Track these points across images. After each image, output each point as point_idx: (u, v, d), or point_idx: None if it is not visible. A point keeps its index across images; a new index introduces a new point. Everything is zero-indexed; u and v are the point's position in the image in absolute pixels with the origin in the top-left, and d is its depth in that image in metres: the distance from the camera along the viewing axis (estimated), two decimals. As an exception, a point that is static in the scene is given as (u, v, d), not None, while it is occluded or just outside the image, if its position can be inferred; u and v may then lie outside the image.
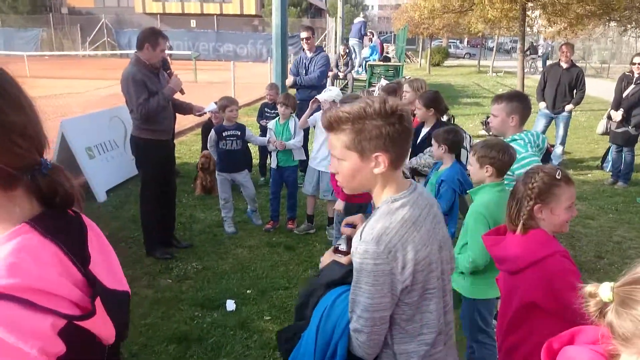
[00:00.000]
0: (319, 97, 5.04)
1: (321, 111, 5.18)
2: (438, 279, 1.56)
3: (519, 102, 3.15)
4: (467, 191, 2.90)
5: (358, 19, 18.36)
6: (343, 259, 1.71)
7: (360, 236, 1.50)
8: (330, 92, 5.07)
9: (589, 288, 1.13)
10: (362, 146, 1.51)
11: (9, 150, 0.90)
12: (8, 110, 0.91)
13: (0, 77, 0.96)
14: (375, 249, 1.45)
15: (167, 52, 4.63)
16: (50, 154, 4.45)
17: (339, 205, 4.20)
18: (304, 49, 7.01)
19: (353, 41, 17.43)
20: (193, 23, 40.25)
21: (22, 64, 21.87)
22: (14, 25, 37.36)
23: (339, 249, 1.79)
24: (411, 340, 1.55)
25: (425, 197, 1.62)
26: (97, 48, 34.54)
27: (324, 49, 7.35)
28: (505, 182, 2.98)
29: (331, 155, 1.62)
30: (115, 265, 1.14)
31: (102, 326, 1.00)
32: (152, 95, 4.25)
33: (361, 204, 4.04)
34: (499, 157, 2.66)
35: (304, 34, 6.87)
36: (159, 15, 39.16)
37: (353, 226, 1.75)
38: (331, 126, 1.56)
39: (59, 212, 1.00)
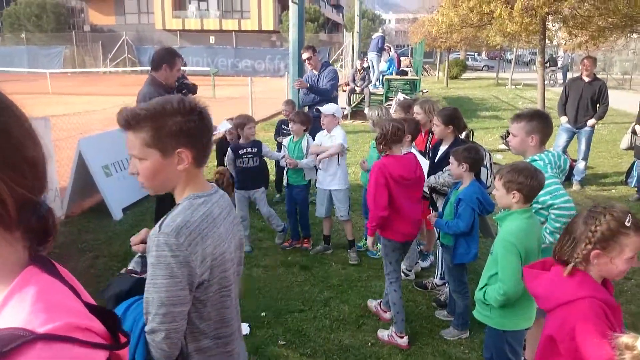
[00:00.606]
0: (320, 107, 5.06)
1: (320, 133, 5.15)
2: (233, 276, 1.62)
3: (539, 122, 3.03)
4: (494, 217, 2.77)
5: (377, 34, 18.39)
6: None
7: (160, 227, 1.46)
8: (331, 106, 5.10)
9: (626, 339, 1.02)
10: (164, 143, 1.50)
11: (20, 186, 0.84)
12: (27, 143, 0.86)
13: (13, 111, 0.91)
14: (175, 240, 1.43)
15: (183, 68, 4.63)
16: (67, 174, 4.44)
17: (369, 241, 3.91)
18: (309, 68, 7.00)
19: (371, 55, 17.44)
20: (212, 39, 40.79)
21: (45, 81, 22.36)
22: (38, 43, 38.32)
23: (132, 269, 1.72)
24: (206, 338, 1.55)
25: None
26: (118, 64, 35.20)
27: (331, 64, 7.30)
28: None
29: (131, 157, 1.56)
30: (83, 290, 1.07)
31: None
32: None
33: (404, 242, 3.75)
34: (527, 182, 2.52)
35: (305, 55, 6.85)
36: (178, 32, 39.82)
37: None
38: (129, 124, 1.52)
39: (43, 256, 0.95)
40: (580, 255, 1.74)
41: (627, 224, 1.68)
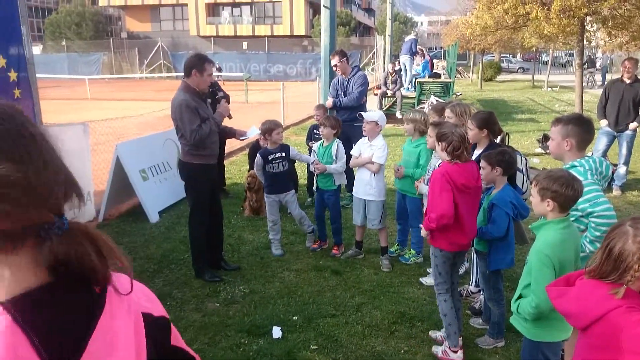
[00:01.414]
0: (363, 114, 5.01)
1: (361, 140, 5.11)
2: None
3: (575, 125, 2.94)
4: (530, 226, 2.70)
5: (409, 37, 18.30)
6: None
7: None
8: (374, 113, 5.05)
9: None
10: None
11: (11, 209, 0.77)
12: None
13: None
14: None
15: (216, 74, 4.72)
16: (105, 178, 4.55)
17: (423, 232, 3.68)
18: (338, 73, 6.99)
19: (404, 58, 17.34)
20: (245, 45, 41.37)
21: (84, 87, 23.06)
22: (77, 50, 39.60)
23: None
24: None
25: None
26: (154, 70, 36.02)
27: (361, 68, 7.28)
28: (572, 218, 2.78)
29: None
30: None
31: None
32: (203, 122, 4.33)
33: (459, 252, 3.60)
34: (562, 191, 2.43)
35: (332, 61, 6.85)
36: (212, 38, 40.51)
37: None
38: None
39: (70, 287, 0.84)
40: (633, 278, 1.60)
41: None
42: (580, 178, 2.75)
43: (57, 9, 47.68)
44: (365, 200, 4.99)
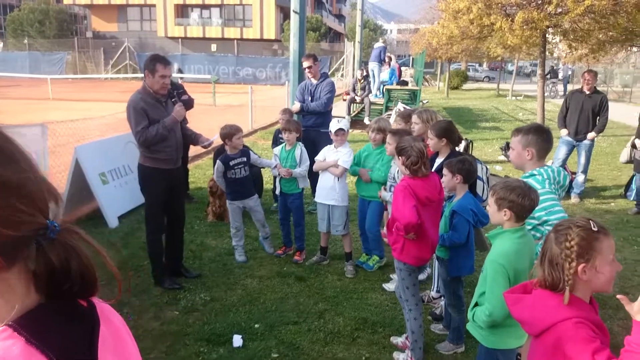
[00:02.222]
0: (333, 126, 4.97)
1: (327, 147, 5.10)
2: None
3: (535, 135, 3.00)
4: (487, 235, 2.73)
5: (378, 44, 18.44)
6: None
7: None
8: (342, 121, 5.03)
9: None
10: None
11: (7, 215, 0.73)
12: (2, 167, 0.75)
13: None
14: None
15: (178, 75, 4.59)
16: (64, 181, 4.39)
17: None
18: (308, 77, 6.97)
19: (372, 65, 17.45)
20: (214, 47, 40.98)
21: (46, 86, 22.38)
22: (40, 48, 38.47)
23: None
24: None
25: None
26: (119, 71, 35.30)
27: (328, 75, 7.28)
28: (529, 227, 2.82)
29: None
30: None
31: None
32: (152, 124, 4.20)
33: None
34: (519, 201, 2.46)
35: (305, 63, 6.82)
36: (180, 40, 39.99)
37: None
38: None
39: (63, 304, 0.81)
40: (569, 276, 1.70)
41: (595, 229, 1.70)
42: (538, 187, 2.81)
43: (20, 6, 46.24)
44: (329, 205, 4.97)
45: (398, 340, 3.74)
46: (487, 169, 4.21)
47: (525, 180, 3.05)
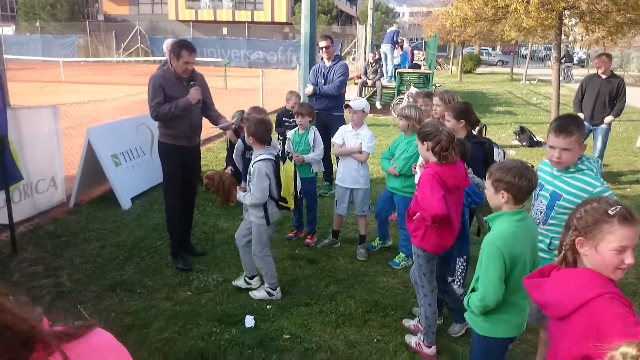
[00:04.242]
0: (351, 103, 4.91)
1: (344, 127, 5.05)
2: None
3: (582, 126, 2.83)
4: (485, 218, 2.65)
5: (392, 28, 18.29)
6: None
7: None
8: (360, 101, 4.95)
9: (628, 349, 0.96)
10: None
11: None
12: None
13: None
14: None
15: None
16: (77, 162, 4.43)
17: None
18: (322, 58, 6.91)
19: (385, 47, 17.30)
20: (225, 30, 40.73)
21: (58, 69, 22.46)
22: (52, 32, 38.50)
23: None
24: None
25: None
26: (131, 54, 35.28)
27: (342, 58, 7.21)
28: None
29: None
30: None
31: None
32: (168, 101, 4.34)
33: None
34: (515, 182, 2.36)
35: (322, 43, 6.76)
36: (191, 23, 39.77)
37: None
38: None
39: None
40: (568, 243, 1.74)
41: (611, 213, 1.67)
42: (597, 183, 2.71)
43: (31, -11, 46.21)
44: (352, 189, 4.94)
45: (410, 323, 3.74)
46: (504, 152, 4.16)
47: (546, 165, 2.97)
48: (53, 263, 4.65)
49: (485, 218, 2.67)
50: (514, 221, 2.43)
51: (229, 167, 6.54)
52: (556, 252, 2.82)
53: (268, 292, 4.10)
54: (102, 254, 4.87)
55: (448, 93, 4.61)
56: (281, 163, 3.94)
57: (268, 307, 3.98)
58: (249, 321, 3.74)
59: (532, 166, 2.56)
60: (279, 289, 4.14)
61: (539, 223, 2.93)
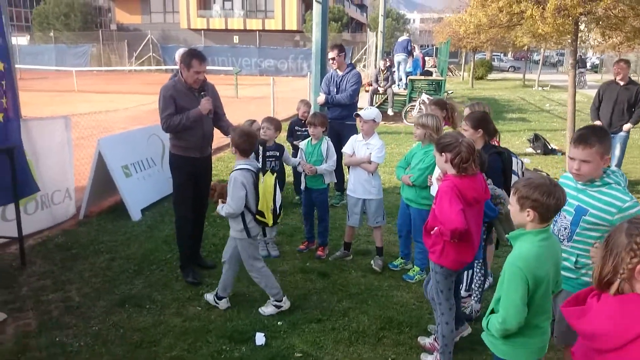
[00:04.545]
0: (361, 112, 4.82)
1: (354, 137, 4.95)
2: None
3: (608, 137, 2.73)
4: (506, 236, 2.53)
5: (403, 37, 18.26)
6: None
7: None
8: (371, 111, 4.85)
9: None
10: None
11: None
12: None
13: None
14: None
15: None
16: (87, 173, 4.38)
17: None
18: (333, 68, 6.83)
19: (400, 57, 17.19)
20: (236, 39, 40.97)
21: (71, 79, 22.66)
22: (66, 41, 38.98)
23: None
24: None
25: None
26: (143, 63, 35.56)
27: (355, 66, 7.13)
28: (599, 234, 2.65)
29: None
30: None
31: None
32: (180, 112, 4.30)
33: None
34: (543, 200, 2.24)
35: (331, 54, 6.68)
36: (203, 31, 40.06)
37: None
38: None
39: None
40: (626, 271, 1.55)
41: None
42: (627, 198, 2.59)
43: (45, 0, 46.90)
44: (364, 199, 4.84)
45: (426, 341, 3.62)
46: (522, 163, 4.04)
47: (566, 179, 2.84)
48: (62, 277, 4.59)
49: (507, 236, 2.55)
50: (538, 241, 2.31)
51: None
52: (583, 270, 2.74)
53: (275, 306, 4.00)
54: (112, 267, 4.80)
55: (479, 105, 4.46)
56: (261, 175, 3.82)
57: (279, 323, 3.88)
58: (260, 338, 3.64)
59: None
60: (285, 297, 4.04)
61: (563, 240, 2.80)
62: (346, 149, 4.93)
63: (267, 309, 4.02)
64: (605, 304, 1.61)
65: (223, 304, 4.10)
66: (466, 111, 4.43)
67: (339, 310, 4.08)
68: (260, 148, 4.90)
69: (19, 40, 40.79)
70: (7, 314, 3.88)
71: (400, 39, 18.17)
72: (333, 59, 6.65)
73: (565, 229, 2.80)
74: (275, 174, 3.91)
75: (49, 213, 5.75)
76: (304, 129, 6.48)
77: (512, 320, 2.29)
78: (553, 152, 10.41)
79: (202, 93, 4.47)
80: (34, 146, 5.44)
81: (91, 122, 8.55)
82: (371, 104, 14.74)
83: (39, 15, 45.56)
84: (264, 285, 4.01)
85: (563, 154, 10.00)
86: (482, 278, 4.05)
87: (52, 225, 5.76)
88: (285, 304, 4.02)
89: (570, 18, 7.05)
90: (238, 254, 4.01)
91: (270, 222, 3.89)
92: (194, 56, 4.30)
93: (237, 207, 3.76)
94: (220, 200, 3.96)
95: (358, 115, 4.82)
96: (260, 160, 4.87)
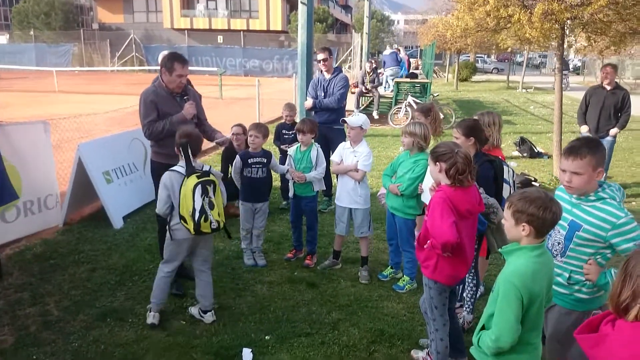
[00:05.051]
0: (347, 119, 4.72)
1: (342, 144, 4.85)
2: None
3: (602, 150, 2.61)
4: (500, 250, 2.44)
5: (390, 50, 17.86)
6: None
7: None
8: (358, 117, 4.74)
9: None
10: None
11: None
12: None
13: None
14: None
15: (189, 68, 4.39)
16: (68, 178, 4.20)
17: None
18: (321, 70, 6.73)
19: (393, 70, 16.48)
20: (220, 39, 40.65)
21: (52, 79, 22.21)
22: (46, 40, 38.31)
23: None
24: None
25: None
26: (126, 63, 35.09)
27: (342, 69, 7.04)
28: (599, 257, 2.59)
29: None
30: None
31: None
32: (162, 118, 4.17)
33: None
34: (539, 214, 2.17)
35: (320, 56, 6.59)
36: (186, 31, 39.67)
37: None
38: None
39: None
40: None
41: None
42: (621, 214, 2.50)
43: (25, -3, 46.01)
44: (350, 208, 4.73)
45: (419, 355, 3.52)
46: (513, 171, 3.97)
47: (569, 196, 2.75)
48: (40, 289, 4.41)
49: (500, 250, 2.47)
50: (534, 257, 2.24)
51: None
52: (576, 287, 2.67)
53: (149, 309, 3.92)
54: (92, 279, 4.63)
55: (489, 115, 4.36)
56: (185, 178, 3.61)
57: (267, 337, 3.75)
58: (247, 355, 3.51)
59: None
60: (155, 314, 3.89)
61: (557, 255, 2.73)
62: (334, 157, 4.84)
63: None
64: (621, 332, 1.53)
65: (208, 317, 3.96)
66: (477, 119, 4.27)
67: (328, 323, 3.98)
68: (183, 149, 4.55)
69: (-3, 39, 39.99)
70: (-19, 331, 3.71)
71: (387, 52, 17.71)
72: (325, 59, 6.55)
73: (559, 243, 2.72)
74: (200, 178, 3.61)
75: (32, 220, 5.56)
76: (290, 132, 6.38)
77: (505, 339, 2.21)
78: (539, 155, 10.43)
79: (185, 97, 4.34)
80: (15, 151, 5.26)
81: (73, 124, 8.33)
82: (357, 107, 14.67)
83: (19, 13, 44.67)
84: (153, 288, 3.91)
85: (549, 157, 10.02)
86: (474, 288, 3.97)
87: (34, 233, 5.57)
88: (150, 318, 3.88)
89: (556, 23, 7.04)
90: (198, 260, 3.97)
91: (191, 229, 3.59)
92: (175, 59, 4.18)
93: (159, 207, 3.73)
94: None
95: (345, 121, 4.73)
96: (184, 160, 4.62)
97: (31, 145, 5.55)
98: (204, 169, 3.72)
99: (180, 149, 3.69)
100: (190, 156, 3.69)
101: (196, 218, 3.54)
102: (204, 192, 3.60)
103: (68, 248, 5.29)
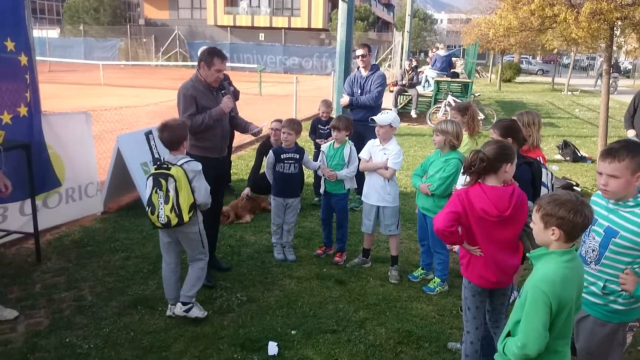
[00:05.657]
0: (375, 118, 4.65)
1: (371, 141, 4.79)
2: None
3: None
4: (528, 254, 2.34)
5: (444, 52, 17.34)
6: None
7: None
8: (387, 115, 4.66)
9: None
10: None
11: None
12: None
13: None
14: None
15: (229, 64, 4.47)
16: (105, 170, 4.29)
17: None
18: (358, 67, 6.69)
19: (434, 73, 16.16)
20: (262, 36, 41.07)
21: (99, 72, 22.93)
22: (95, 35, 39.60)
23: None
24: None
25: None
26: (170, 58, 35.89)
27: (379, 67, 6.99)
28: (636, 267, 2.46)
29: None
30: None
31: None
32: (201, 111, 4.21)
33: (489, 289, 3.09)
34: (569, 217, 2.08)
35: (359, 51, 6.55)
36: (229, 28, 40.22)
37: None
38: None
39: None
40: None
41: None
42: None
43: (76, -7, 47.67)
44: (379, 206, 4.68)
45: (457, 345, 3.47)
46: (552, 174, 3.83)
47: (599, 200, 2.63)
48: (76, 274, 4.55)
49: (528, 255, 2.38)
50: (564, 262, 2.14)
51: (247, 190, 5.80)
52: (611, 297, 2.54)
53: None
54: (126, 266, 4.75)
55: (529, 114, 4.19)
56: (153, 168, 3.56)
57: (293, 332, 3.75)
58: (272, 348, 3.52)
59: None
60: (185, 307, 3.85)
61: (591, 262, 2.60)
62: (363, 155, 4.77)
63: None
64: None
65: (177, 309, 3.85)
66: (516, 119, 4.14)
67: (355, 321, 3.94)
68: (151, 137, 4.40)
69: (49, 33, 41.58)
70: (19, 312, 3.85)
71: (441, 53, 17.18)
72: (364, 55, 6.51)
73: (593, 250, 2.59)
74: (157, 170, 3.57)
75: (73, 207, 5.75)
76: (326, 127, 6.37)
77: (532, 347, 2.12)
78: (583, 159, 10.08)
79: (222, 92, 4.39)
80: (59, 140, 5.44)
81: (115, 116, 8.57)
82: (395, 105, 14.53)
83: (70, 8, 46.35)
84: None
85: (593, 161, 9.67)
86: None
87: (74, 220, 5.75)
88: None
89: (605, 23, 6.77)
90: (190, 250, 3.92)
91: (155, 223, 3.64)
92: (215, 54, 4.24)
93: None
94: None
95: (373, 120, 4.66)
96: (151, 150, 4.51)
97: (73, 134, 5.73)
98: (177, 163, 3.57)
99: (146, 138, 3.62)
100: (154, 147, 3.66)
101: (146, 209, 3.66)
102: (156, 185, 3.56)
103: (104, 236, 5.44)
